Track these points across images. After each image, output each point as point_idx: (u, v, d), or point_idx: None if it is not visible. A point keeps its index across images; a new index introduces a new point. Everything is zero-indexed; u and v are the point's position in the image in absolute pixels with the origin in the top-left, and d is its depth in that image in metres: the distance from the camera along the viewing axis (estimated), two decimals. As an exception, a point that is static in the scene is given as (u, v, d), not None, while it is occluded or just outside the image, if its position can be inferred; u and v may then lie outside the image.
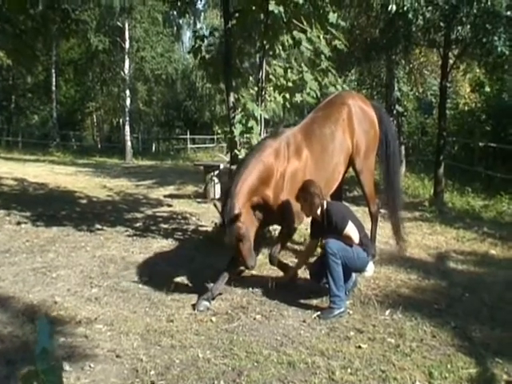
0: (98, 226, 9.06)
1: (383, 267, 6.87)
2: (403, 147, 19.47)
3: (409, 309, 5.49)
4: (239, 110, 7.25)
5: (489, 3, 9.56)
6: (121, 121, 37.98)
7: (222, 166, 12.05)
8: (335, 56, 8.35)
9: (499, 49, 9.83)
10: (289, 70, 7.16)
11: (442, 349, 4.66)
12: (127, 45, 32.65)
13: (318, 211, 5.65)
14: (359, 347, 4.65)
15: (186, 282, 6.40)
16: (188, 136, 39.57)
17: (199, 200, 12.26)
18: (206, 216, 10.07)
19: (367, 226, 6.66)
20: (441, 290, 6.17)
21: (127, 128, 33.45)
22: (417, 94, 20.53)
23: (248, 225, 5.59)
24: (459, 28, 10.70)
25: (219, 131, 14.41)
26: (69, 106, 45.41)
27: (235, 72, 7.84)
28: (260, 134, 7.20)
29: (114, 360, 4.38)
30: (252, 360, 4.39)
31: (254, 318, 5.31)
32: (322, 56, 7.42)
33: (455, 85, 21.66)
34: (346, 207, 6.04)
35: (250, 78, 7.43)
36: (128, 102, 33.69)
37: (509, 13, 9.87)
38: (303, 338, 4.84)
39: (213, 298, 5.65)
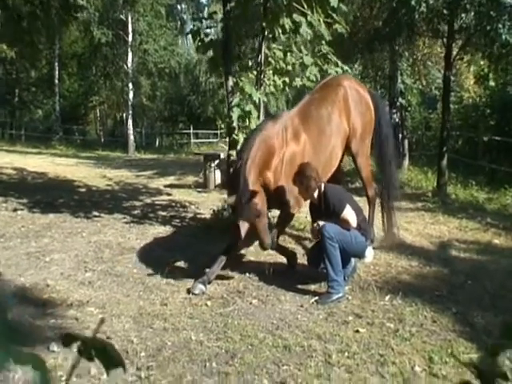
0: (96, 213, 8.93)
1: (383, 253, 6.73)
2: (406, 142, 19.34)
3: (409, 295, 5.35)
4: (238, 94, 7.09)
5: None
6: (124, 115, 37.90)
7: (222, 156, 11.91)
8: (337, 45, 8.18)
9: (503, 37, 9.67)
10: (288, 54, 7.02)
11: (442, 334, 4.52)
12: (130, 38, 32.52)
13: (315, 194, 5.52)
14: (357, 331, 4.52)
15: (181, 267, 6.28)
16: (191, 131, 39.39)
17: (199, 189, 12.15)
18: (205, 204, 9.94)
19: (366, 212, 6.53)
20: (442, 277, 6.03)
21: (130, 122, 33.36)
22: (420, 87, 20.31)
23: (261, 202, 5.47)
24: (463, 16, 10.52)
25: (222, 126, 14.28)
26: (72, 100, 45.23)
27: (234, 56, 7.71)
28: (258, 119, 7.05)
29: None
30: (246, 343, 4.26)
31: (250, 303, 5.19)
32: (323, 41, 7.26)
33: (459, 77, 21.47)
34: (344, 190, 5.90)
35: (250, 63, 7.27)
36: (131, 95, 33.60)
37: (512, 0, 9.69)
38: (300, 322, 4.72)
39: (209, 282, 5.52)
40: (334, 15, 7.15)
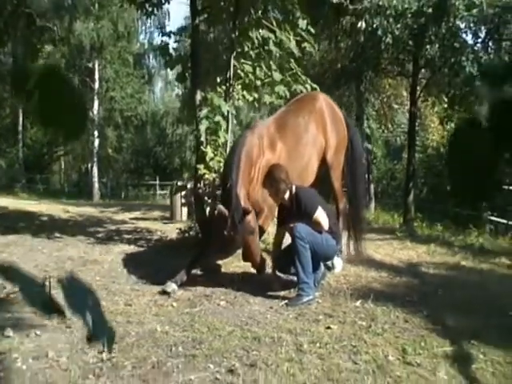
0: (58, 235, 8.65)
1: (352, 266, 6.63)
2: (372, 186, 19.58)
3: (380, 299, 5.23)
4: (206, 107, 7.07)
5: (457, 23, 9.76)
6: (89, 166, 37.47)
7: (189, 186, 11.76)
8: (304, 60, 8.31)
9: (467, 69, 9.97)
10: (257, 68, 7.08)
11: (414, 331, 4.42)
12: (97, 85, 32.42)
13: (286, 196, 5.44)
14: (329, 328, 4.38)
15: (147, 277, 6.04)
16: (157, 182, 39.14)
17: (166, 221, 11.92)
18: (172, 231, 9.73)
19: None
20: (413, 287, 5.95)
21: (95, 170, 33.00)
22: (386, 132, 20.77)
23: (254, 220, 5.39)
24: (428, 47, 10.87)
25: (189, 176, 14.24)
26: (36, 149, 44.62)
27: (202, 70, 7.74)
28: (227, 132, 7.01)
29: (64, 330, 4.05)
30: (214, 334, 4.09)
31: (218, 304, 5.03)
32: (292, 59, 7.37)
33: (424, 119, 22.03)
34: (316, 193, 5.83)
35: (218, 79, 7.28)
36: (96, 144, 33.32)
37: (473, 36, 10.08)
38: (270, 320, 4.56)
39: (181, 283, 5.36)
40: (303, 34, 7.28)
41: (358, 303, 5.12)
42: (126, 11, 31.16)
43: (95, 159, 33.16)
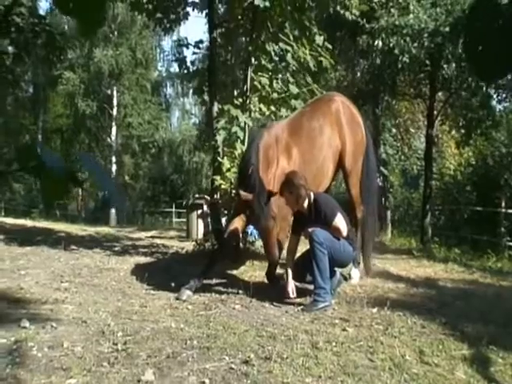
0: (74, 247, 8.71)
1: (369, 278, 6.57)
2: (389, 217, 19.51)
3: (397, 307, 5.16)
4: (224, 118, 7.13)
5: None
6: (106, 193, 37.66)
7: (205, 207, 11.81)
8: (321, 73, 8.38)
9: (484, 89, 9.99)
10: (274, 81, 7.15)
11: (432, 335, 4.36)
12: (115, 111, 32.85)
13: (305, 203, 5.42)
14: (345, 330, 4.34)
15: (162, 283, 6.01)
16: (173, 209, 39.20)
17: (182, 239, 11.93)
18: (189, 247, 9.74)
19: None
20: (430, 297, 5.88)
21: (113, 195, 33.18)
22: (402, 158, 20.74)
23: (275, 205, 5.39)
24: (445, 66, 10.91)
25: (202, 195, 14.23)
26: (54, 176, 45.08)
27: (220, 83, 7.85)
28: (244, 143, 7.05)
29: (80, 324, 4.06)
30: (229, 332, 4.07)
31: (233, 308, 4.99)
32: (308, 74, 7.44)
33: (441, 145, 21.99)
34: (333, 199, 5.81)
35: (235, 92, 7.37)
36: (114, 170, 33.60)
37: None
38: (285, 322, 4.52)
39: (196, 288, 5.35)
40: (320, 49, 7.36)
41: (374, 310, 5.06)
42: (145, 38, 31.85)
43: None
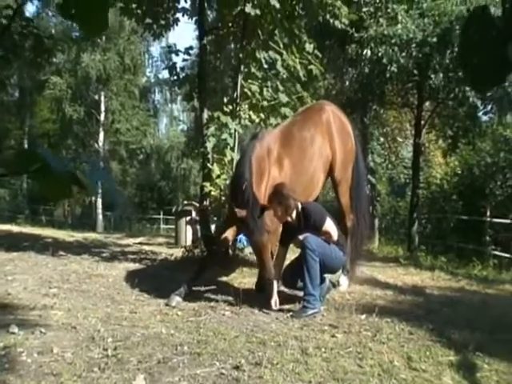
0: (62, 253, 8.65)
1: (357, 286, 6.62)
2: (376, 225, 19.57)
3: (385, 314, 5.21)
4: (213, 124, 7.15)
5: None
6: (93, 199, 37.40)
7: (193, 214, 11.82)
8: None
9: (471, 99, 10.11)
10: (264, 89, 7.19)
11: (420, 341, 4.41)
12: (102, 117, 32.58)
13: (294, 214, 5.45)
14: (334, 336, 4.37)
15: (152, 289, 6.01)
16: (161, 216, 39.03)
17: (170, 246, 11.92)
18: (177, 253, 9.72)
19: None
20: (418, 304, 5.94)
21: (99, 202, 32.99)
22: (389, 167, 20.87)
23: (270, 218, 5.42)
24: (432, 76, 11.04)
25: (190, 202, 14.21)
26: (40, 182, 44.68)
27: (210, 89, 7.88)
28: (233, 150, 7.08)
29: (69, 330, 4.05)
30: (219, 338, 4.08)
31: (223, 314, 5.01)
32: (298, 83, 7.49)
33: (428, 154, 22.16)
34: (321, 206, 5.84)
35: (225, 99, 7.39)
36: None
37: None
38: (275, 328, 4.55)
39: (185, 295, 5.36)
40: (310, 57, 7.42)
41: (362, 316, 5.10)
42: (133, 44, 31.76)
43: (99, 194, 33.11)
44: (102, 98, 32.49)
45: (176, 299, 5.25)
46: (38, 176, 0.97)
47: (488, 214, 15.10)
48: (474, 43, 0.91)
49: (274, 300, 5.33)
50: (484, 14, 0.90)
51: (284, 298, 5.61)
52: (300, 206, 5.46)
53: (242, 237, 7.86)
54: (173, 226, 36.82)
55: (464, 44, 0.93)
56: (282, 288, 5.84)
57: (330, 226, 5.31)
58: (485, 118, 13.73)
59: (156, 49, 51.89)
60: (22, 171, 0.97)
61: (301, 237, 5.24)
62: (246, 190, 5.21)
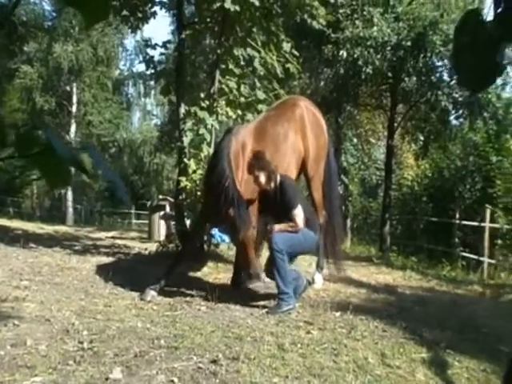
0: (33, 245, 8.52)
1: (332, 283, 6.67)
2: (349, 225, 19.75)
3: (359, 312, 5.25)
4: (191, 119, 7.11)
5: (433, 57, 10.09)
6: (63, 191, 36.87)
7: (167, 209, 11.75)
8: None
9: (443, 103, 10.26)
10: (242, 86, 7.18)
11: (393, 339, 4.46)
12: (74, 108, 31.98)
13: (272, 184, 5.36)
14: (309, 332, 4.39)
15: (126, 283, 5.95)
16: (133, 211, 38.64)
17: (144, 240, 11.81)
18: (151, 248, 9.64)
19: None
20: (391, 302, 6.02)
21: (70, 194, 32.53)
22: (362, 167, 21.06)
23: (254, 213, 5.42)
24: (406, 79, 11.18)
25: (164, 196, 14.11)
26: (8, 172, 43.91)
27: (187, 84, 7.83)
28: (210, 146, 7.05)
29: (43, 322, 4.00)
30: (195, 332, 4.06)
31: (199, 309, 5.01)
32: (275, 80, 7.50)
33: (400, 156, 22.40)
34: (297, 188, 5.75)
35: (202, 95, 7.35)
36: (72, 168, 32.80)
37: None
38: (251, 324, 4.55)
39: (160, 289, 5.33)
40: (287, 55, 7.44)
41: (337, 314, 5.14)
42: (107, 36, 31.31)
43: (70, 187, 32.63)
44: (74, 89, 31.90)
45: (151, 293, 5.23)
46: (40, 160, 0.95)
47: (457, 216, 15.32)
48: (466, 46, 0.94)
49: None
50: (476, 18, 0.94)
51: (259, 295, 5.65)
52: (279, 179, 5.41)
53: (216, 232, 7.86)
54: (145, 221, 36.73)
55: (457, 46, 0.97)
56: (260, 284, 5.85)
57: (299, 213, 5.25)
58: (456, 122, 13.98)
59: (130, 42, 51.38)
60: (23, 154, 0.95)
61: (269, 235, 5.21)
62: (229, 187, 5.18)
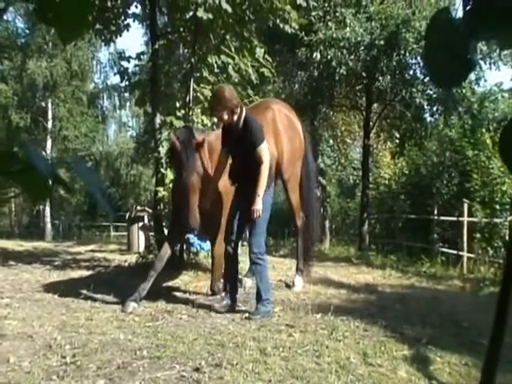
0: (12, 262, 8.47)
1: (312, 285, 6.73)
2: (327, 226, 19.87)
3: (340, 313, 5.31)
4: (166, 130, 7.14)
5: (407, 55, 10.25)
6: (41, 207, 36.48)
7: (146, 220, 11.74)
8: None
9: (417, 100, 10.42)
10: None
11: (374, 337, 4.52)
12: (50, 124, 31.76)
13: (235, 117, 5.21)
14: (291, 335, 4.44)
15: (107, 296, 5.95)
16: (111, 223, 38.33)
17: (123, 253, 11.77)
18: (131, 260, 9.62)
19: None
20: (371, 301, 6.09)
21: (48, 210, 32.25)
22: (339, 168, 21.23)
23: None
24: (380, 78, 11.33)
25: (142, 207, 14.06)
26: (-16, 191, 43.30)
27: (162, 94, 7.86)
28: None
29: (25, 339, 4.00)
30: (178, 341, 4.09)
31: (180, 318, 5.02)
32: (249, 86, 7.56)
33: (376, 155, 22.62)
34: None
35: (177, 104, 7.38)
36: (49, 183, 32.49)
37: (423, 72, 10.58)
38: (232, 330, 4.58)
39: (140, 299, 5.33)
40: (261, 60, 7.51)
41: (318, 316, 5.20)
42: (81, 50, 31.15)
43: (48, 202, 32.29)
44: (50, 104, 31.66)
45: (132, 305, 5.23)
46: (20, 177, 0.98)
47: (435, 212, 15.50)
48: (437, 44, 0.99)
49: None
50: (446, 16, 0.98)
51: (239, 301, 5.67)
52: (244, 114, 5.29)
53: (194, 240, 7.87)
54: (123, 233, 36.35)
55: (428, 45, 1.01)
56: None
57: (264, 149, 5.17)
58: (431, 118, 14.19)
59: (104, 54, 51.20)
60: (3, 173, 0.98)
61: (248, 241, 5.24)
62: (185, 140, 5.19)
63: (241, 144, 5.20)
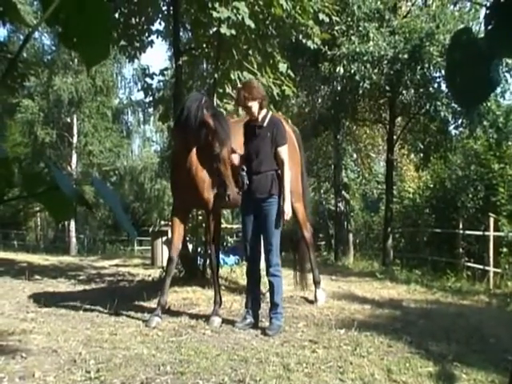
0: (38, 277, 8.58)
1: (335, 300, 6.69)
2: (351, 240, 19.74)
3: (364, 328, 5.27)
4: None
5: (431, 68, 10.20)
6: (66, 222, 36.89)
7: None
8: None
9: (442, 114, 10.35)
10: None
11: (399, 354, 4.47)
12: (75, 139, 32.30)
13: (262, 113, 5.24)
14: (314, 351, 4.42)
15: (131, 310, 6.00)
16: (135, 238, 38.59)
17: (147, 267, 11.85)
18: (155, 274, 9.68)
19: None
20: (396, 317, 6.02)
21: (73, 224, 32.63)
22: (363, 182, 21.13)
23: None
24: (404, 92, 11.30)
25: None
26: (12, 205, 44.04)
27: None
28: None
29: (50, 354, 4.03)
30: (201, 357, 4.09)
31: (204, 333, 5.01)
32: (271, 102, 7.57)
33: (400, 169, 22.48)
34: None
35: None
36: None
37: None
38: (256, 346, 4.57)
39: (163, 312, 5.36)
40: (283, 78, 7.54)
41: (342, 331, 5.16)
42: (105, 66, 31.62)
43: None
44: (75, 120, 32.18)
45: (156, 320, 5.26)
46: (45, 198, 1.00)
47: (460, 226, 15.32)
48: (458, 63, 0.99)
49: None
50: (467, 35, 0.98)
51: (262, 317, 5.65)
52: (269, 114, 5.35)
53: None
54: (147, 247, 36.70)
55: (449, 64, 1.01)
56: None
57: (285, 151, 5.19)
58: (455, 131, 14.09)
59: (128, 70, 51.92)
60: (30, 194, 1.01)
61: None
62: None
63: (261, 142, 5.19)
